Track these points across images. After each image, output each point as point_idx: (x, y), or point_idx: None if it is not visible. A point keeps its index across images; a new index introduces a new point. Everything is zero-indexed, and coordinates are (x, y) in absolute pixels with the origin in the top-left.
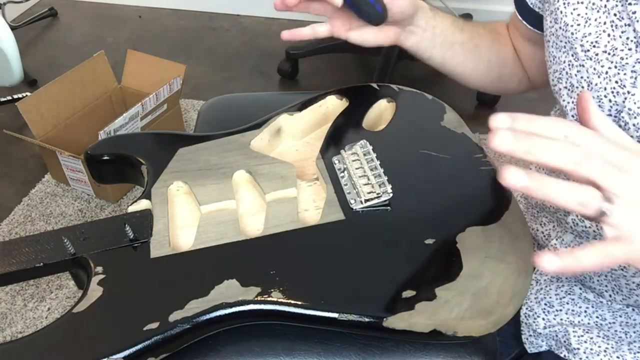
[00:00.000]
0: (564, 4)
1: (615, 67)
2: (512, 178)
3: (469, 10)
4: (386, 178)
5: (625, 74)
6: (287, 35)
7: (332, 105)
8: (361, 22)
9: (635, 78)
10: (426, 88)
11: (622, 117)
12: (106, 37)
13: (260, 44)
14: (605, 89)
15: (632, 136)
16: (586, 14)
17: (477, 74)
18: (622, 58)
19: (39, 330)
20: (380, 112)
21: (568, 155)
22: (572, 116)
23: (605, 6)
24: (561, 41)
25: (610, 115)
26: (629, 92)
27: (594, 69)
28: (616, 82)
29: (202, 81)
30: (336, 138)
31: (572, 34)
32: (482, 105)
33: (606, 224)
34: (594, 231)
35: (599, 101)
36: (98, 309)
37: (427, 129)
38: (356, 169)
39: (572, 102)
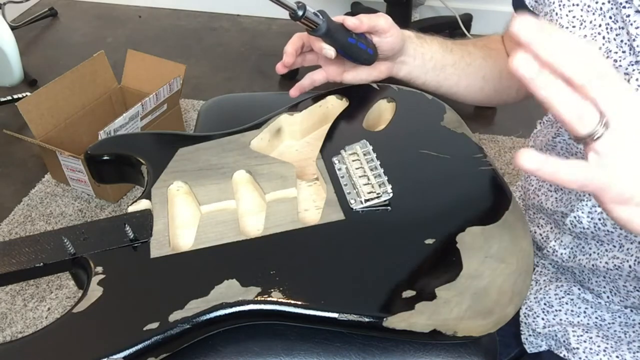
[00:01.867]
0: (559, 5)
1: None
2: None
3: (469, 10)
4: (386, 178)
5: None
6: (294, 92)
7: (332, 105)
8: (353, 64)
9: (628, 81)
10: None
11: None
12: (106, 37)
13: (260, 44)
14: None
15: None
16: (581, 16)
17: (473, 91)
18: (615, 60)
19: (39, 330)
20: (380, 112)
21: (582, 70)
22: None
23: (601, 9)
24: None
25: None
26: None
27: None
28: None
29: (202, 81)
30: (336, 138)
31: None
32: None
33: (593, 149)
34: (592, 232)
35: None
36: (98, 309)
37: (427, 129)
38: (356, 169)
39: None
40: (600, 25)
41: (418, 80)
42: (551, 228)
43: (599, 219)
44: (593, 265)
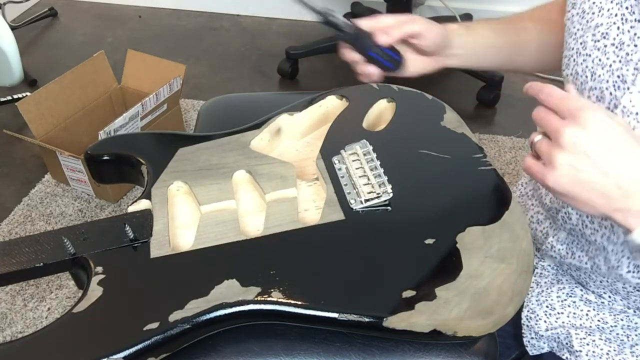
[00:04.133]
0: None
1: (620, 61)
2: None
3: (469, 10)
4: (386, 178)
5: (627, 69)
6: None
7: (332, 105)
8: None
9: (636, 76)
10: (426, 88)
11: (616, 113)
12: (106, 37)
13: (260, 44)
14: (607, 81)
15: None
16: (600, 2)
17: (534, 61)
18: (627, 53)
19: (39, 330)
20: (380, 112)
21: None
22: None
23: None
24: (575, 27)
25: (609, 108)
26: (627, 89)
27: (599, 60)
28: (618, 76)
29: (202, 81)
30: (336, 138)
31: (587, 22)
32: (482, 105)
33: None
34: (580, 230)
35: (601, 92)
36: (98, 309)
37: (427, 129)
38: (356, 169)
39: (575, 90)
40: (616, 15)
41: (473, 66)
42: (550, 224)
43: (587, 216)
44: (594, 263)
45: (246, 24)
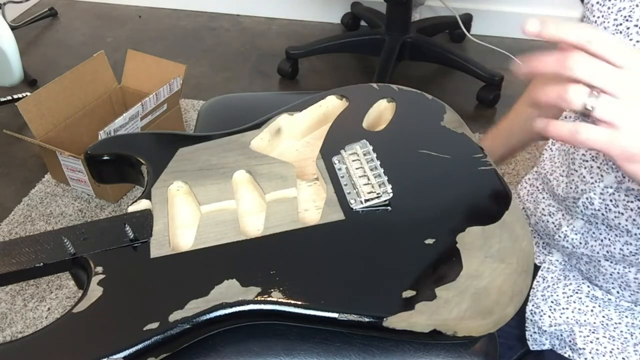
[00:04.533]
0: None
1: None
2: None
3: (469, 10)
4: (386, 178)
5: None
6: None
7: (332, 105)
8: None
9: None
10: (426, 88)
11: None
12: (106, 37)
13: (260, 44)
14: None
15: None
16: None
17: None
18: None
19: (39, 330)
20: (380, 112)
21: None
22: None
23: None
24: (594, 15)
25: None
26: None
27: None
28: None
29: (202, 81)
30: (336, 138)
31: (609, 8)
32: (482, 105)
33: (595, 118)
34: (603, 214)
35: None
36: (98, 309)
37: (427, 129)
38: (356, 168)
39: None
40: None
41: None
42: (563, 215)
43: (610, 200)
44: (607, 252)
45: (246, 24)
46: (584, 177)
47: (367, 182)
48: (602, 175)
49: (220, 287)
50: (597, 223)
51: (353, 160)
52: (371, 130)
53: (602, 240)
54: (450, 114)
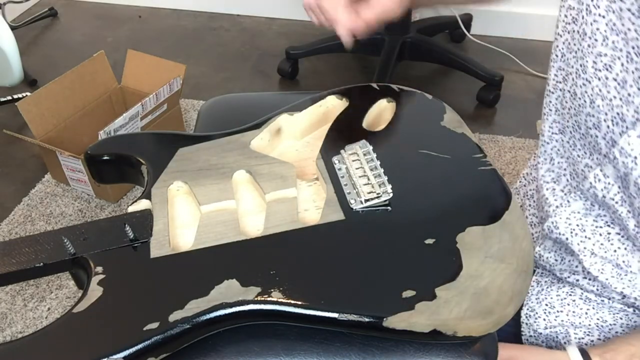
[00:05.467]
0: (586, 10)
1: (621, 99)
2: None
3: (469, 10)
4: (386, 178)
5: (628, 110)
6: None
7: (332, 105)
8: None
9: (637, 119)
10: (426, 88)
11: (613, 152)
12: (106, 37)
13: (260, 44)
14: (606, 114)
15: (618, 171)
16: (605, 31)
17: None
18: (629, 94)
19: (39, 330)
20: (380, 112)
21: None
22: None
23: (626, 34)
24: (575, 45)
25: (605, 139)
26: (627, 129)
27: (600, 90)
28: (618, 113)
29: (202, 81)
30: (336, 138)
31: (589, 46)
32: (482, 105)
33: None
34: (567, 239)
35: (598, 122)
36: (98, 309)
37: (427, 129)
38: (356, 168)
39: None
40: (621, 50)
41: (440, 4)
42: (541, 229)
43: (577, 225)
44: (584, 271)
45: (246, 24)
46: (547, 199)
47: (367, 182)
48: (568, 201)
49: (220, 287)
50: (562, 247)
51: (353, 160)
52: (371, 130)
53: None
54: (450, 114)
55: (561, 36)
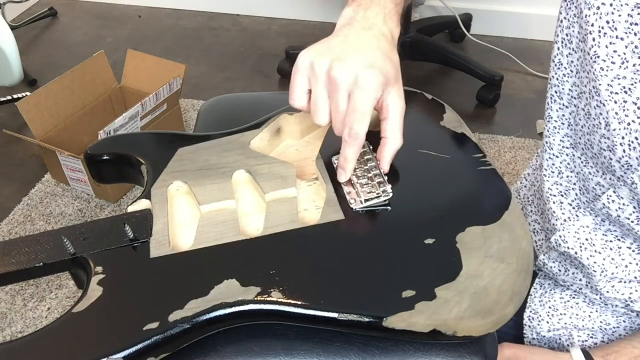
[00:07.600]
0: (599, 32)
1: None
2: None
3: (469, 10)
4: (386, 178)
5: None
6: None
7: None
8: None
9: None
10: (426, 88)
11: (631, 177)
12: (106, 37)
13: (260, 44)
14: (623, 137)
15: (637, 194)
16: (625, 54)
17: None
18: None
19: (39, 330)
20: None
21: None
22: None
23: None
24: (587, 65)
25: (620, 163)
26: None
27: (617, 113)
28: (636, 138)
29: (202, 81)
30: (336, 138)
31: (603, 69)
32: (482, 105)
33: None
34: (576, 253)
35: (613, 145)
36: (98, 309)
37: (427, 129)
38: (356, 169)
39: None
40: None
41: None
42: (545, 236)
43: (586, 239)
44: (588, 283)
45: (246, 24)
46: (554, 212)
47: (367, 182)
48: (577, 216)
49: (220, 287)
50: (568, 259)
51: None
52: (371, 130)
53: (582, 270)
54: (450, 114)
55: (565, 46)
